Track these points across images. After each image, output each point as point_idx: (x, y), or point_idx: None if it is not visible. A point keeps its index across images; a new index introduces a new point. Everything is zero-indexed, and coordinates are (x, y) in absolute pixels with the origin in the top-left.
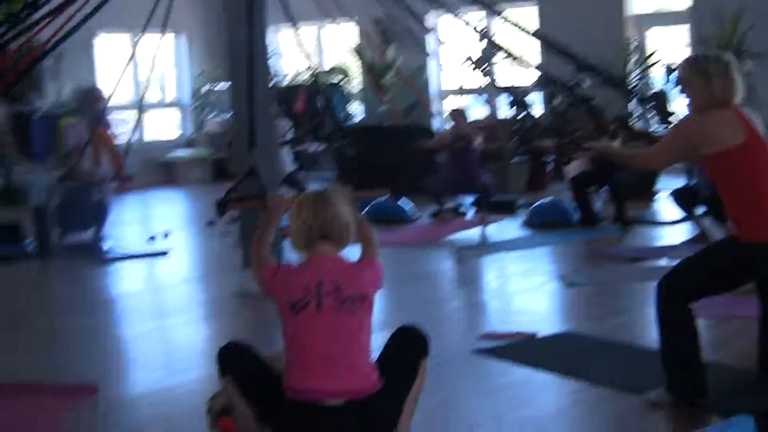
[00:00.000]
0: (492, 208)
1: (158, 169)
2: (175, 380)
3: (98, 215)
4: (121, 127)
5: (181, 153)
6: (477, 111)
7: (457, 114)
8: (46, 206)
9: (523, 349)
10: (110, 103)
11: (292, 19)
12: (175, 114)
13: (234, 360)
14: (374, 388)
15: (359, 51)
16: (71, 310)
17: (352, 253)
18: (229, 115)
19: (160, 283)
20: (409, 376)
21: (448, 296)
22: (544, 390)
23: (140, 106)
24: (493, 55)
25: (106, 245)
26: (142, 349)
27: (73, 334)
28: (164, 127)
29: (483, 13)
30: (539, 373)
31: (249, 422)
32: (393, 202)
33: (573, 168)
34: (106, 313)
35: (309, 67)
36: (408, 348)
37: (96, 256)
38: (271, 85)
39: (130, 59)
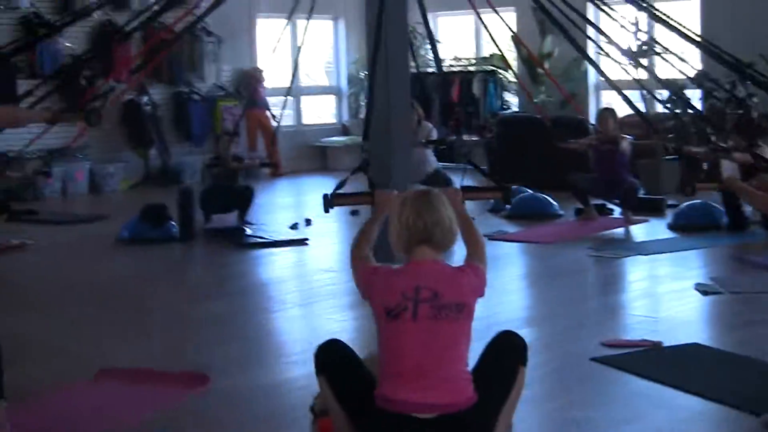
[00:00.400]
0: (638, 207)
1: (313, 155)
2: (294, 373)
3: (243, 200)
4: (277, 111)
5: (336, 139)
6: (630, 106)
7: (607, 114)
8: (191, 189)
9: (645, 359)
10: (268, 87)
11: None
12: (331, 100)
13: (330, 359)
14: (469, 402)
15: (516, 41)
16: (207, 296)
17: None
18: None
19: (298, 271)
20: (507, 386)
21: (583, 297)
22: (660, 405)
23: (296, 91)
24: (651, 49)
25: (249, 230)
26: (269, 338)
27: (204, 321)
28: (320, 112)
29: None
30: (658, 386)
31: (344, 423)
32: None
33: (725, 169)
34: (241, 300)
35: (465, 56)
36: (506, 355)
37: (238, 241)
38: (423, 72)
39: (289, 44)
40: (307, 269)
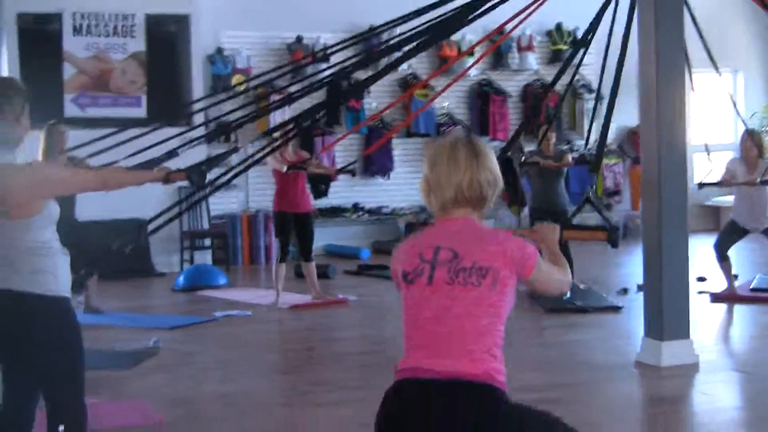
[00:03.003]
0: None
1: (702, 214)
2: None
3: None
4: None
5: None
6: None
7: None
8: None
9: None
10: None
11: None
12: (727, 156)
13: None
14: (488, 376)
15: None
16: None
17: None
18: None
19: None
20: None
21: None
22: None
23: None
24: None
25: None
26: None
27: None
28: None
29: None
30: None
31: None
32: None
33: None
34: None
35: None
36: None
37: (551, 305)
38: None
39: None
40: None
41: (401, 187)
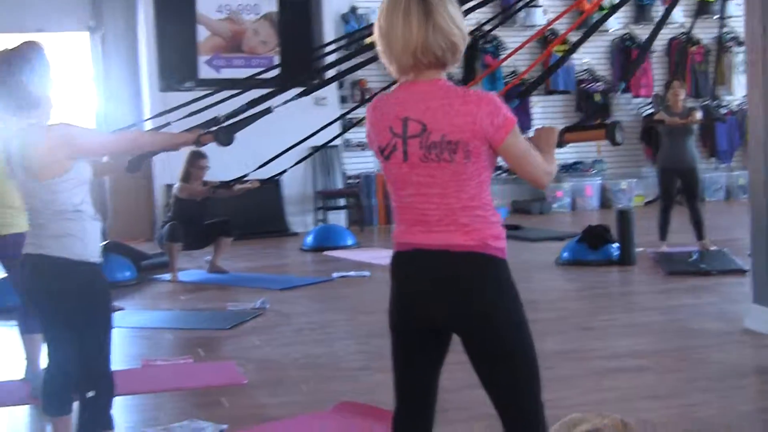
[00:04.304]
0: None
1: None
2: None
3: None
4: None
5: None
6: None
7: None
8: (630, 210)
9: None
10: None
11: None
12: None
13: None
14: (484, 248)
15: None
16: (632, 331)
17: None
18: None
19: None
20: None
21: None
22: None
23: None
24: None
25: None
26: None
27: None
28: None
29: None
30: None
31: None
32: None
33: None
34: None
35: None
36: None
37: (678, 268)
38: None
39: None
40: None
41: None
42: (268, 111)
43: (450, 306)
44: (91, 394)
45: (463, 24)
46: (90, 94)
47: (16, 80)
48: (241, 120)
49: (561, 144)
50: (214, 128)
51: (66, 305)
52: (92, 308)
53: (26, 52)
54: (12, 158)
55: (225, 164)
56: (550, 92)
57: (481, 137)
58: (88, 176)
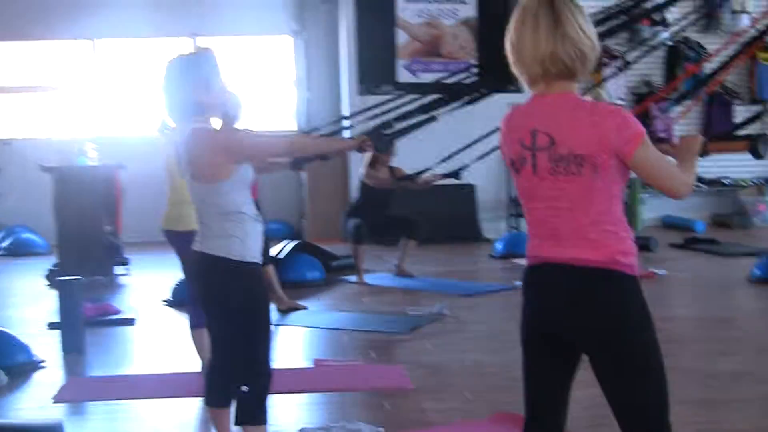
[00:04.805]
0: None
1: None
2: None
3: None
4: None
5: None
6: None
7: None
8: None
9: None
10: None
11: None
12: None
13: None
14: (613, 264)
15: None
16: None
17: None
18: None
19: None
20: None
21: None
22: None
23: None
24: None
25: None
26: None
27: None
28: None
29: None
30: None
31: None
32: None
33: None
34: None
35: None
36: None
37: None
38: None
39: None
40: None
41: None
42: (432, 119)
43: (577, 321)
44: (245, 388)
45: (593, 34)
46: (292, 96)
47: (182, 86)
48: (403, 128)
49: (704, 153)
50: (374, 134)
51: (226, 304)
52: (250, 307)
53: (195, 58)
54: (181, 160)
55: (416, 158)
56: (755, 101)
57: (608, 151)
58: (251, 179)
